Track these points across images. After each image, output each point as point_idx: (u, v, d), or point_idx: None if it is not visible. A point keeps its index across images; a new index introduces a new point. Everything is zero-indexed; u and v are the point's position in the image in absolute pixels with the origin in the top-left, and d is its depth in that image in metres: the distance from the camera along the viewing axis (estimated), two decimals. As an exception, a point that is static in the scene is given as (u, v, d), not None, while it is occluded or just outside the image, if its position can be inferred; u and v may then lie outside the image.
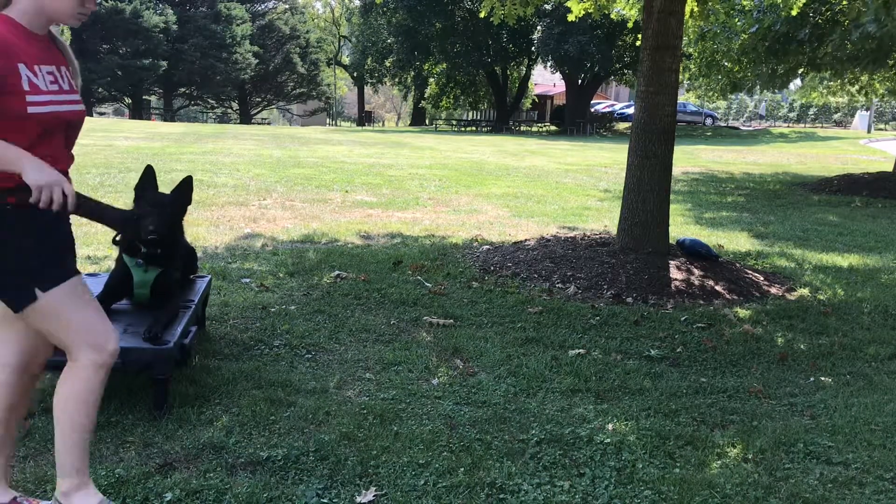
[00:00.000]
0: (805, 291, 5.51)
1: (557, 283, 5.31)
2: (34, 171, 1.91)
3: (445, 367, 3.69)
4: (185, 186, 3.22)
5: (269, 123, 50.25)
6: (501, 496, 2.50)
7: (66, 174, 2.11)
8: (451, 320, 4.44)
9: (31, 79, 1.98)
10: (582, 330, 4.41)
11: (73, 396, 2.10)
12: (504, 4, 7.29)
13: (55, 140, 2.07)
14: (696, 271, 5.53)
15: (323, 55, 51.39)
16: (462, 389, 3.40)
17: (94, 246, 5.82)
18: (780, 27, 10.52)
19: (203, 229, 6.72)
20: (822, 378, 3.82)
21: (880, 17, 7.90)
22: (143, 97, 46.89)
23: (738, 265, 5.99)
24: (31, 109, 1.97)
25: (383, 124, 55.41)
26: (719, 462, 2.81)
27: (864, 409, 3.36)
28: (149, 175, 3.06)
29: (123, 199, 8.04)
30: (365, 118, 48.94)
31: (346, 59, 53.83)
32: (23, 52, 1.98)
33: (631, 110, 30.76)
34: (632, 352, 4.08)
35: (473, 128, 35.78)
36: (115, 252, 4.30)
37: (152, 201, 3.05)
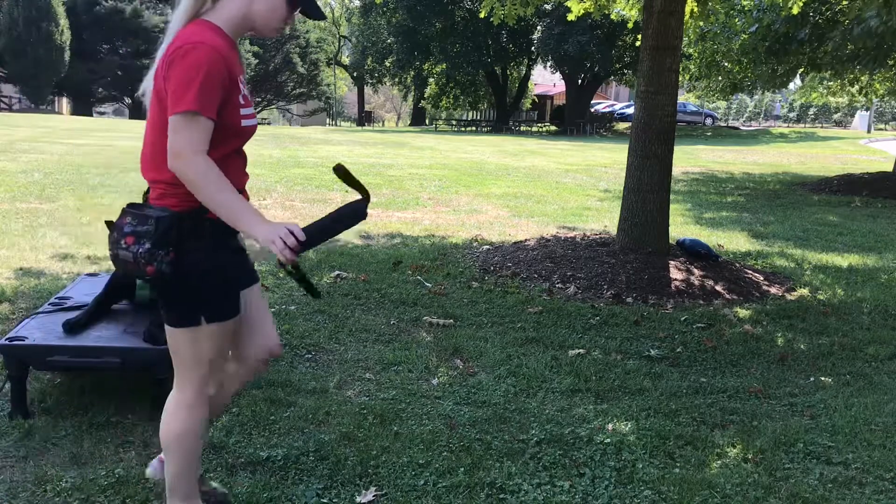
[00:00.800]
0: (805, 291, 5.51)
1: (557, 283, 5.31)
2: (261, 229, 1.83)
3: (445, 367, 3.69)
4: None
5: (268, 123, 50.21)
6: (501, 496, 2.49)
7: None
8: (451, 320, 4.44)
9: (242, 90, 1.95)
10: (582, 330, 4.41)
11: (187, 432, 2.07)
12: (504, 4, 7.29)
13: (244, 150, 2.07)
14: (696, 271, 5.53)
15: (323, 55, 51.33)
16: (462, 389, 3.40)
17: (94, 246, 5.82)
18: (779, 27, 10.52)
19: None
20: (822, 378, 3.82)
21: (882, 14, 7.90)
22: (144, 97, 46.84)
23: (737, 265, 5.99)
24: (243, 122, 1.95)
25: (383, 124, 55.40)
26: (719, 462, 2.81)
27: (864, 409, 3.36)
28: None
29: (123, 199, 8.04)
30: (365, 118, 48.94)
31: (346, 59, 53.83)
32: (234, 64, 1.92)
33: (631, 110, 30.76)
34: (632, 352, 4.08)
35: (473, 128, 35.78)
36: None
37: None
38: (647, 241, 5.66)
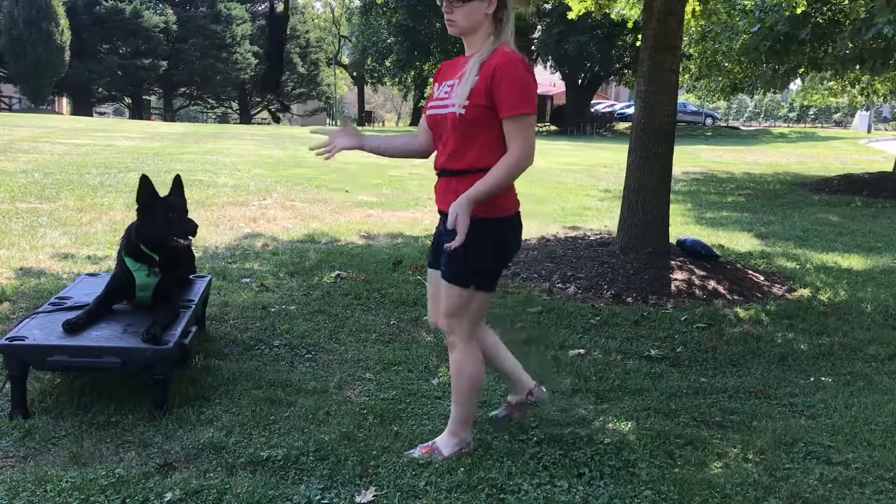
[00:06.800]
0: (805, 291, 5.51)
1: (557, 283, 5.31)
2: None
3: (445, 367, 3.68)
4: (180, 186, 3.40)
5: (269, 123, 50.24)
6: (501, 496, 2.49)
7: (439, 170, 2.63)
8: (451, 320, 4.43)
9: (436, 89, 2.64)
10: (582, 330, 4.41)
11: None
12: (504, 4, 7.27)
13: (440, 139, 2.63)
14: (697, 271, 5.53)
15: (323, 55, 51.37)
16: (462, 389, 3.39)
17: (95, 246, 5.82)
18: (781, 27, 10.52)
19: (203, 229, 6.70)
20: (822, 378, 3.82)
21: (893, 20, 7.90)
22: (143, 97, 46.89)
23: (738, 265, 5.99)
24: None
25: (383, 124, 55.40)
26: (719, 462, 2.81)
27: (864, 409, 3.36)
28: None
29: (123, 199, 8.03)
30: (365, 118, 48.94)
31: (346, 59, 53.82)
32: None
33: (631, 110, 30.75)
34: (632, 352, 4.08)
35: (473, 128, 35.68)
36: (114, 252, 4.31)
37: (180, 208, 3.30)
38: (647, 241, 5.65)
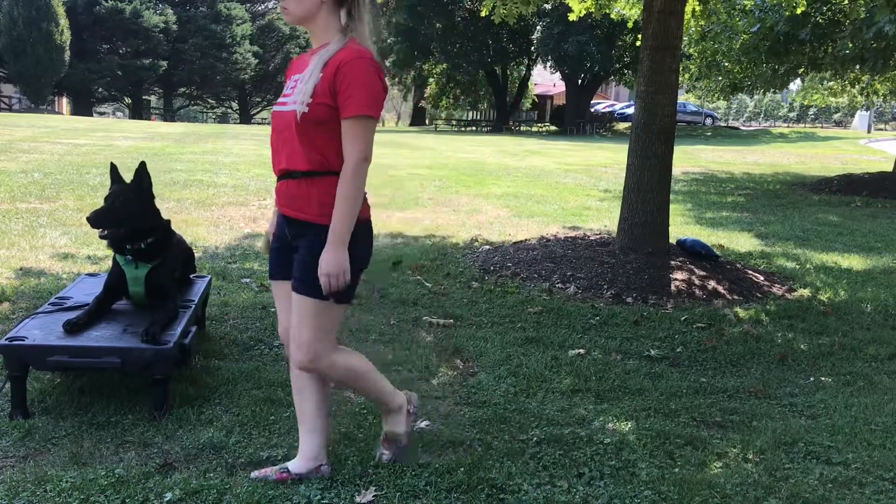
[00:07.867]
0: (805, 291, 5.51)
1: (557, 283, 5.31)
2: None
3: (445, 367, 3.69)
4: (141, 171, 3.42)
5: (268, 123, 50.21)
6: (501, 496, 2.49)
7: (282, 172, 2.37)
8: (451, 320, 4.44)
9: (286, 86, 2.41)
10: (582, 330, 4.41)
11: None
12: (505, 3, 7.28)
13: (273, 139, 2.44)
14: (697, 271, 5.53)
15: (323, 55, 51.34)
16: (462, 389, 3.40)
17: (94, 246, 5.82)
18: (781, 27, 10.52)
19: (203, 229, 6.71)
20: (822, 378, 3.82)
21: (893, 19, 7.90)
22: (143, 97, 46.89)
23: (738, 265, 5.99)
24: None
25: (383, 124, 55.30)
26: (719, 462, 2.81)
27: (864, 409, 3.36)
28: (112, 171, 3.46)
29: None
30: (365, 118, 48.83)
31: (346, 59, 53.79)
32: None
33: (631, 110, 30.74)
34: (632, 352, 4.08)
35: (473, 128, 35.76)
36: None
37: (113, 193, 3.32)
38: (647, 241, 5.65)
